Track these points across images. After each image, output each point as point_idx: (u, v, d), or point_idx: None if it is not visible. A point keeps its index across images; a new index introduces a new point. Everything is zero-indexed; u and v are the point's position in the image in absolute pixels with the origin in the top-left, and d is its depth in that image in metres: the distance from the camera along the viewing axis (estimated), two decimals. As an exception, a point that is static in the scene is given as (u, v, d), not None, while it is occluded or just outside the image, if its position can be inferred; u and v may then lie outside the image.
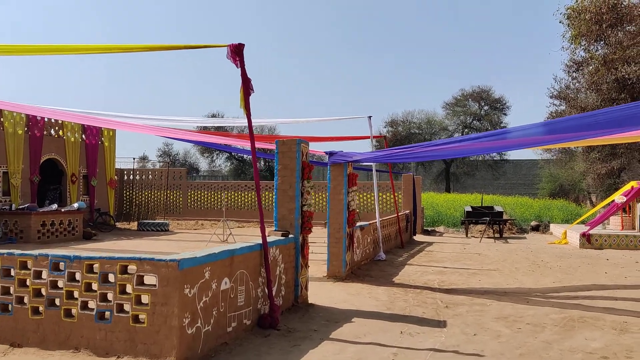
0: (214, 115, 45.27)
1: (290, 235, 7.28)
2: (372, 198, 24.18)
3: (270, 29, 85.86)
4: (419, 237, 19.40)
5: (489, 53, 78.96)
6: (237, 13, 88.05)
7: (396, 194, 22.71)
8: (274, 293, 6.56)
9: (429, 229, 23.11)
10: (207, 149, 52.86)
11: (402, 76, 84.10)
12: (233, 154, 45.92)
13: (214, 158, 54.32)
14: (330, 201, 10.03)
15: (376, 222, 12.90)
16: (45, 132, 18.54)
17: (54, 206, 16.05)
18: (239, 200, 25.30)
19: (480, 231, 19.99)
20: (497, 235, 19.96)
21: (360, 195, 24.13)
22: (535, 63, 78.02)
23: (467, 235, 20.34)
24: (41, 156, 18.25)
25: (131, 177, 25.74)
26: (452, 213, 25.26)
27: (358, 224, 12.14)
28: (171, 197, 26.02)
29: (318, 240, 12.81)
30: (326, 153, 10.24)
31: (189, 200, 25.79)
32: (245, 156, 46.55)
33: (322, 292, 8.64)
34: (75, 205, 16.61)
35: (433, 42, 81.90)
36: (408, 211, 18.64)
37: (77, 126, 19.72)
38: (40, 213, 15.47)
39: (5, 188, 17.07)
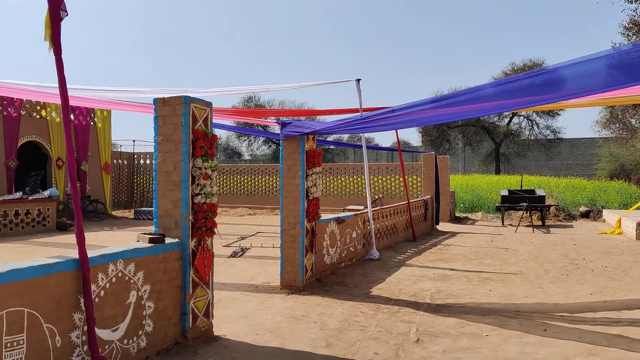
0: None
1: (173, 240, 4.93)
2: (398, 181, 21.49)
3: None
4: (443, 226, 16.63)
5: (540, 21, 73.10)
6: None
7: (415, 177, 20.01)
8: (121, 333, 4.25)
9: (462, 215, 20.28)
10: (242, 134, 51.05)
11: (448, 50, 79.51)
12: (271, 137, 43.76)
13: (251, 142, 52.82)
14: (284, 187, 7.57)
15: (367, 212, 10.30)
16: (23, 112, 16.86)
17: (18, 194, 14.28)
18: (251, 185, 23.32)
19: (522, 217, 16.95)
20: (538, 223, 16.92)
21: (384, 179, 21.42)
22: (587, 26, 71.41)
23: (502, 224, 17.38)
24: (18, 139, 16.60)
25: (135, 161, 24.00)
26: (493, 197, 22.40)
27: (343, 214, 9.67)
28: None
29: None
30: (278, 123, 7.78)
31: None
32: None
33: (254, 314, 6.26)
34: (46, 192, 14.81)
35: (479, 15, 76.74)
36: (429, 196, 15.88)
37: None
38: (-3, 202, 13.47)
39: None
